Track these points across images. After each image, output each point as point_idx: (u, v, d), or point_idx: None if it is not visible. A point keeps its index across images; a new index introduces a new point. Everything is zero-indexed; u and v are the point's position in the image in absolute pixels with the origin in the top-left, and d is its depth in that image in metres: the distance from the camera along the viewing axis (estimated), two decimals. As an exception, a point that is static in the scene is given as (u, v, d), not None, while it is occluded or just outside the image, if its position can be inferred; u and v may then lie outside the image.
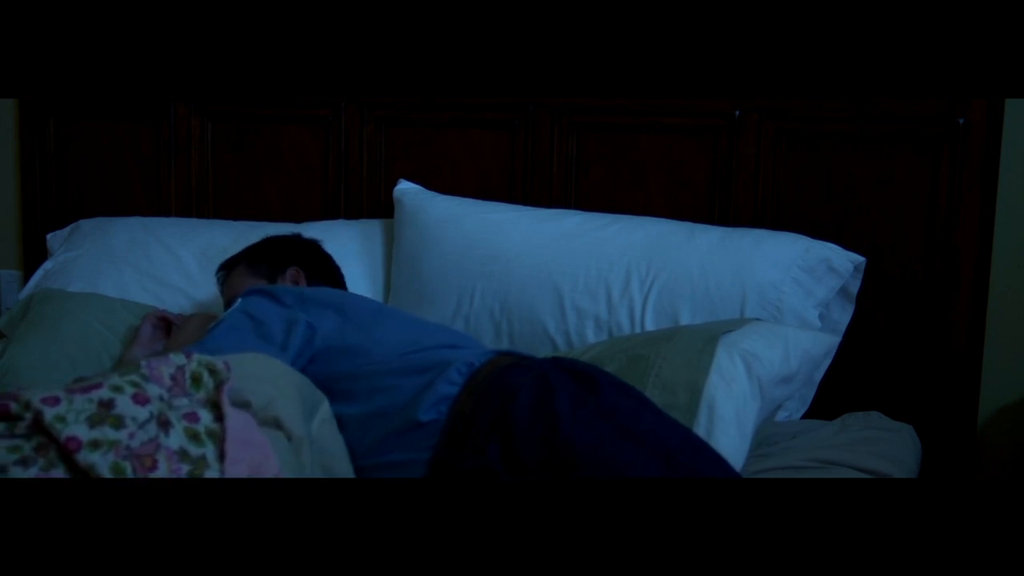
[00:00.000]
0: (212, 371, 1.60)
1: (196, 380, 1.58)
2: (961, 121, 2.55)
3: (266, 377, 1.68)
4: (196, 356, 1.61)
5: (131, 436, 1.41)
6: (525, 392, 1.86)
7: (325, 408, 1.81)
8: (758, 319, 2.39)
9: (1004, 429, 2.66)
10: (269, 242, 2.57)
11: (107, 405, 1.43)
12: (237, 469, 1.47)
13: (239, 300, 2.19)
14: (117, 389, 1.46)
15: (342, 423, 1.93)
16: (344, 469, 1.78)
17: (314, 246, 2.56)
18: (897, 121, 2.60)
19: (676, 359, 2.15)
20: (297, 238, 2.59)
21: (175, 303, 2.71)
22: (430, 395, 1.90)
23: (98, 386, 1.46)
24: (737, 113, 2.71)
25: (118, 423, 1.42)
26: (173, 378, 1.55)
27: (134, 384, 1.49)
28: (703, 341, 2.21)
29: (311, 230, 2.87)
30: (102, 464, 1.38)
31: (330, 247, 2.72)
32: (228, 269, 2.51)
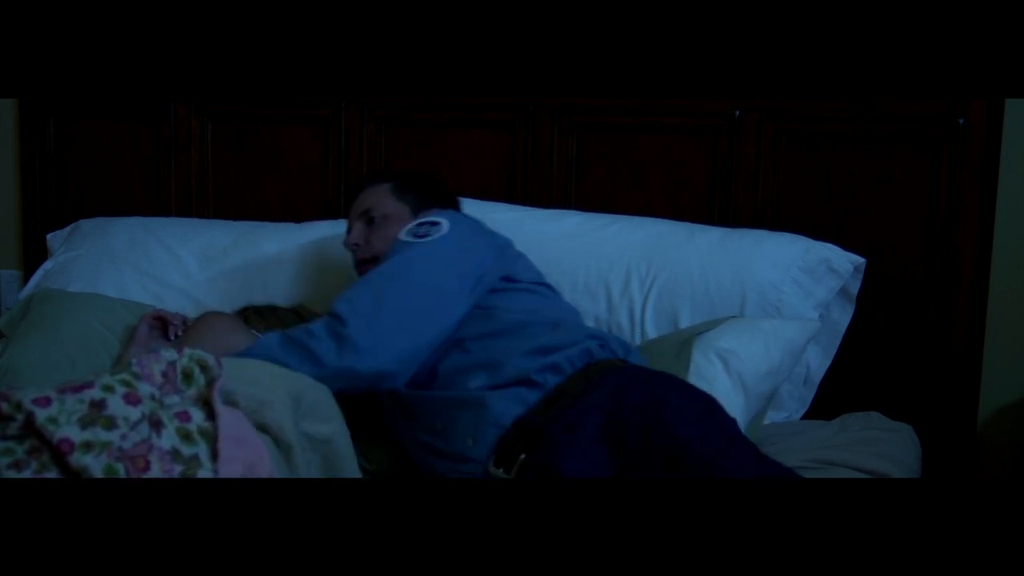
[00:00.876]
0: (204, 367, 1.59)
1: (187, 376, 1.57)
2: (961, 121, 2.55)
3: (256, 380, 1.68)
4: (187, 351, 1.60)
5: (123, 437, 1.41)
6: (638, 385, 1.93)
7: (339, 423, 1.80)
8: (735, 316, 2.40)
9: (1004, 429, 2.65)
10: (426, 176, 2.57)
11: (98, 406, 1.42)
12: (231, 468, 1.47)
13: (446, 222, 2.22)
14: (108, 389, 1.45)
15: (462, 344, 2.08)
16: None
17: (457, 202, 2.54)
18: (897, 121, 2.60)
19: (655, 366, 2.16)
20: (447, 188, 2.60)
21: (175, 303, 2.71)
22: (546, 362, 1.99)
23: (89, 385, 1.45)
24: (737, 113, 2.70)
25: (110, 424, 1.41)
26: (164, 375, 1.55)
27: (125, 383, 1.48)
28: (679, 344, 2.25)
29: (312, 229, 2.87)
30: (95, 466, 1.38)
31: (331, 246, 2.72)
32: (374, 181, 2.48)
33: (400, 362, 2.07)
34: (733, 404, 2.14)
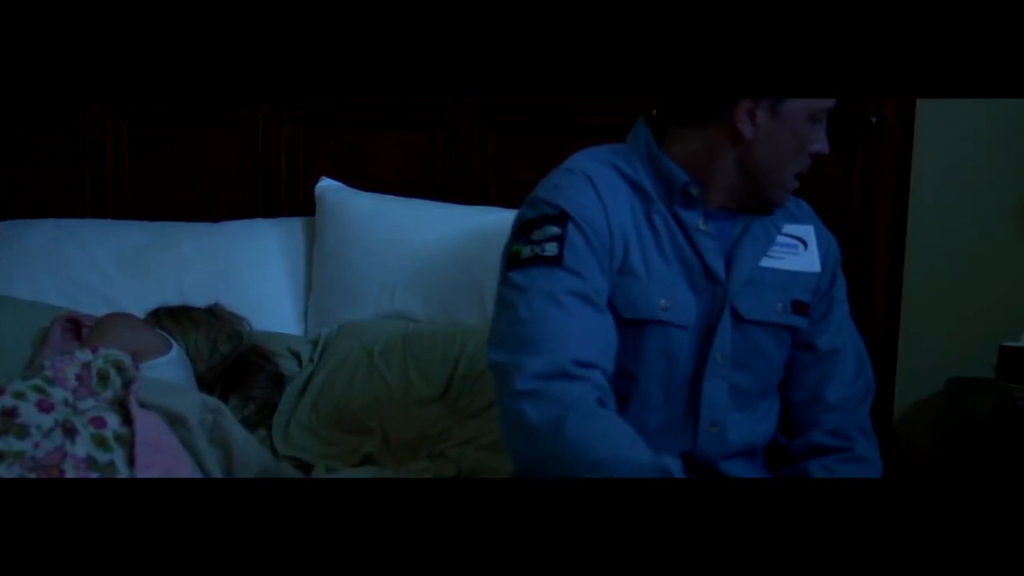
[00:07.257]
0: (120, 368, 1.56)
1: (103, 378, 1.55)
2: (875, 120, 2.58)
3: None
4: (103, 352, 1.57)
5: (36, 446, 1.38)
6: None
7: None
8: None
9: (920, 423, 2.70)
10: None
11: (10, 414, 1.40)
12: (149, 474, 1.44)
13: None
14: (20, 396, 1.43)
15: None
16: (245, 459, 1.75)
17: None
18: (811, 119, 2.63)
19: None
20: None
21: (91, 305, 2.67)
22: None
23: (0, 392, 1.42)
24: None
25: (22, 432, 1.39)
26: (79, 377, 1.52)
27: (38, 389, 1.46)
28: None
29: (230, 229, 2.85)
30: (7, 477, 1.34)
31: (251, 245, 2.69)
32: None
33: None
34: None
